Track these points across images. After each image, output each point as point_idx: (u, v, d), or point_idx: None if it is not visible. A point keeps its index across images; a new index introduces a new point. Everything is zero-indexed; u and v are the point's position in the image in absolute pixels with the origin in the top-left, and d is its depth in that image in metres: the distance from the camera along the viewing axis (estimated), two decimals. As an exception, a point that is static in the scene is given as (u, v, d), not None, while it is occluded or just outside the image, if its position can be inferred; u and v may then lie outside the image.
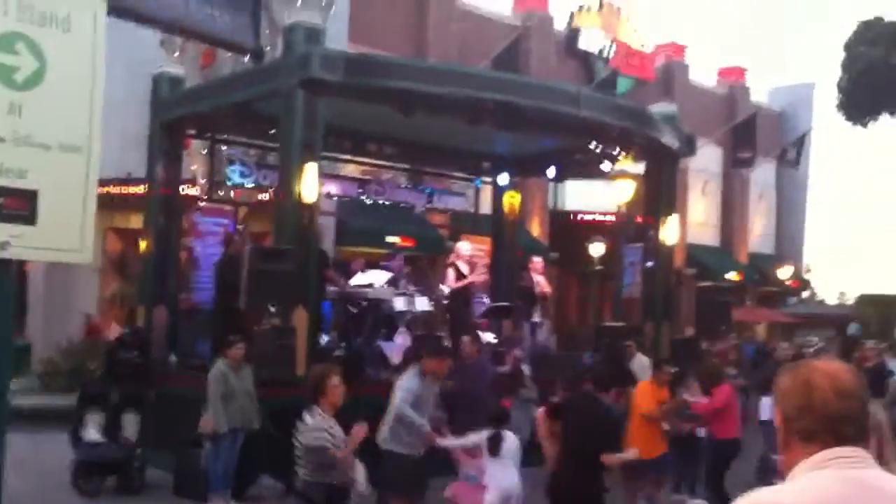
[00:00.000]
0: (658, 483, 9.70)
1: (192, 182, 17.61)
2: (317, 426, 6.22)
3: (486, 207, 17.77)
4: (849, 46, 34.07)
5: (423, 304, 13.71)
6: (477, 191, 18.02)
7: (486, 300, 16.24)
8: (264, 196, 16.47)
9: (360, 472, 6.41)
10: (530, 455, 8.56)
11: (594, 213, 26.35)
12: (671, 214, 14.54)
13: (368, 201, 17.09)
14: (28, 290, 20.03)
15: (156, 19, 7.21)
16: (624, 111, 13.34)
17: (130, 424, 10.77)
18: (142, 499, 10.30)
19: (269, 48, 13.53)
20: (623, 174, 16.19)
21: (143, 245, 13.76)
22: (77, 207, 4.72)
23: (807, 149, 34.06)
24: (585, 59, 28.31)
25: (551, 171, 16.46)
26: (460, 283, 14.16)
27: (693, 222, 31.70)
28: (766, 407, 12.01)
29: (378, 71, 11.34)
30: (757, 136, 31.36)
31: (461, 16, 24.84)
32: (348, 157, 15.78)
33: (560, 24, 28.01)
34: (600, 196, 23.27)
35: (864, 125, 35.96)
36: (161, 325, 12.92)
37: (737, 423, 10.09)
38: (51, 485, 10.46)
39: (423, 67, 14.02)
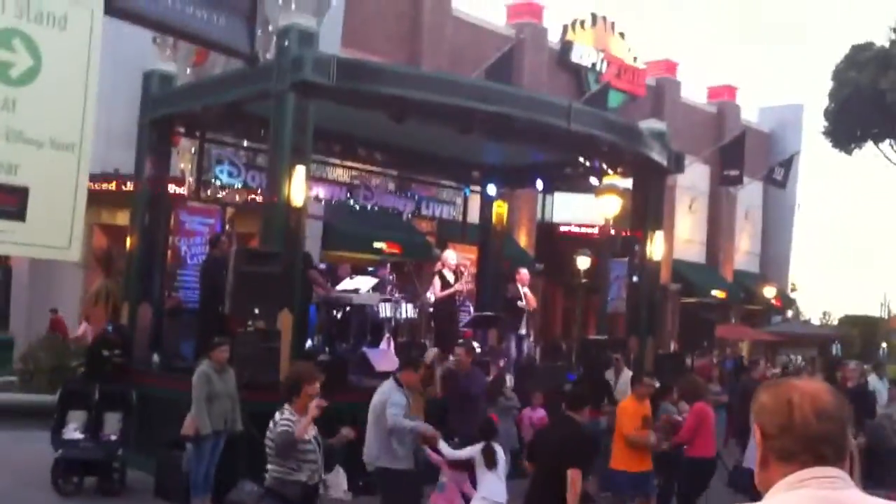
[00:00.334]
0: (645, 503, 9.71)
1: (181, 181, 17.55)
2: (284, 419, 6.14)
3: (473, 216, 17.78)
4: (837, 73, 34.30)
5: (408, 311, 13.70)
6: (465, 199, 18.04)
7: (471, 309, 16.26)
8: (252, 197, 16.44)
9: (341, 477, 6.40)
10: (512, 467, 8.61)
11: (581, 226, 26.39)
12: (658, 230, 14.60)
13: (356, 206, 17.10)
14: (12, 285, 19.92)
15: (152, 21, 7.21)
16: (614, 126, 13.38)
17: (112, 423, 10.69)
18: (122, 500, 10.19)
19: (260, 50, 13.50)
20: (611, 189, 16.21)
21: (129, 242, 13.70)
22: (67, 206, 4.73)
23: (794, 170, 34.27)
24: (577, 72, 28.44)
25: (540, 183, 16.51)
26: (446, 292, 14.18)
27: (679, 239, 31.83)
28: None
29: (370, 76, 11.34)
30: (745, 155, 31.56)
31: (455, 25, 24.90)
32: (337, 160, 15.78)
33: (553, 37, 28.14)
34: (588, 209, 23.29)
35: (850, 153, 36.29)
36: (145, 323, 12.86)
37: (712, 441, 10.07)
38: (29, 483, 10.36)
39: (416, 75, 14.04)
